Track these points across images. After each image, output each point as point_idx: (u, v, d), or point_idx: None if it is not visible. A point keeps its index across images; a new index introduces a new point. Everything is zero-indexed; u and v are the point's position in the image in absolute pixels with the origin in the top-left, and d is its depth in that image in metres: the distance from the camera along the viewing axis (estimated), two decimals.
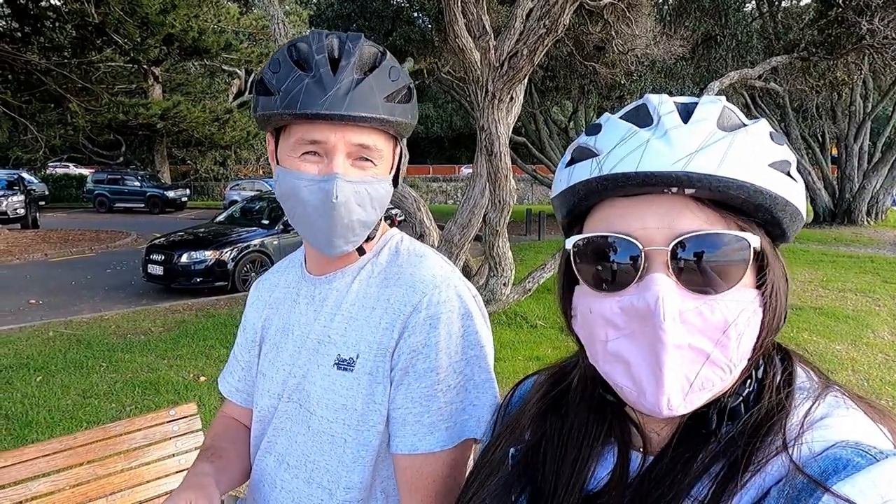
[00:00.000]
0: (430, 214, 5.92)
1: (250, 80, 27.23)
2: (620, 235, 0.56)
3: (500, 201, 5.40)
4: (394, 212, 11.28)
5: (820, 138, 18.40)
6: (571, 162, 0.62)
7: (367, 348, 0.90)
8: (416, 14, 12.54)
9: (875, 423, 0.53)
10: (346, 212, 0.87)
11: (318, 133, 0.85)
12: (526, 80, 5.67)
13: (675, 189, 0.54)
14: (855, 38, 9.77)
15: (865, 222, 16.39)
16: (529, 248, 12.59)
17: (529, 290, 6.38)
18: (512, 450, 0.71)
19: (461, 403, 0.88)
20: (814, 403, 0.55)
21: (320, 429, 0.92)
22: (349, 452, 0.90)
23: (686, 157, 0.53)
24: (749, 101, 15.43)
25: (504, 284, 6.05)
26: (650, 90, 11.26)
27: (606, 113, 0.64)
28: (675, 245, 0.54)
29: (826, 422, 0.53)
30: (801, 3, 14.75)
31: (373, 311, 0.92)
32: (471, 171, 6.37)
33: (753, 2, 14.48)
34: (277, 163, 0.92)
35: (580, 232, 0.62)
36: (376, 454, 0.90)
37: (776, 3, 14.22)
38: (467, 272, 6.75)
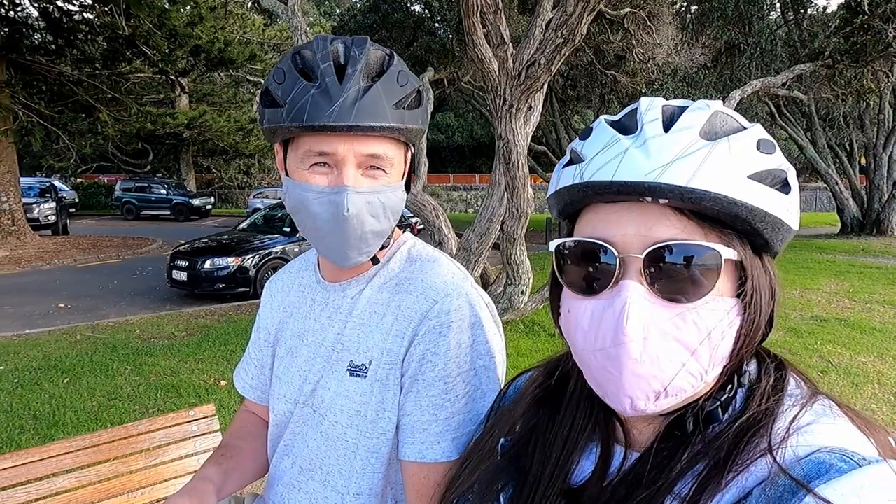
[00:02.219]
0: (448, 223, 5.94)
1: None
2: (598, 241, 0.57)
3: (517, 210, 5.41)
4: (413, 220, 11.34)
5: (848, 147, 18.01)
6: (569, 163, 0.63)
7: (379, 355, 0.90)
8: (437, 24, 12.66)
9: (861, 431, 0.53)
10: (358, 223, 0.86)
11: (327, 145, 0.83)
12: (546, 89, 5.68)
13: (649, 198, 0.54)
14: (882, 46, 9.61)
15: (895, 233, 15.99)
16: (548, 256, 12.52)
17: (547, 298, 6.37)
18: (502, 440, 0.72)
19: (468, 413, 0.88)
20: (801, 410, 0.55)
21: (335, 434, 0.93)
22: (359, 459, 0.90)
23: (661, 167, 0.53)
24: (774, 109, 15.21)
25: (522, 293, 6.04)
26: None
27: (602, 116, 0.64)
28: (649, 253, 0.55)
29: (812, 428, 0.53)
30: (827, 11, 14.53)
31: (383, 318, 0.92)
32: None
33: (778, 10, 14.30)
34: (287, 174, 0.90)
35: (571, 232, 0.64)
36: (387, 461, 0.90)
37: (801, 10, 14.03)
38: (485, 280, 6.75)
